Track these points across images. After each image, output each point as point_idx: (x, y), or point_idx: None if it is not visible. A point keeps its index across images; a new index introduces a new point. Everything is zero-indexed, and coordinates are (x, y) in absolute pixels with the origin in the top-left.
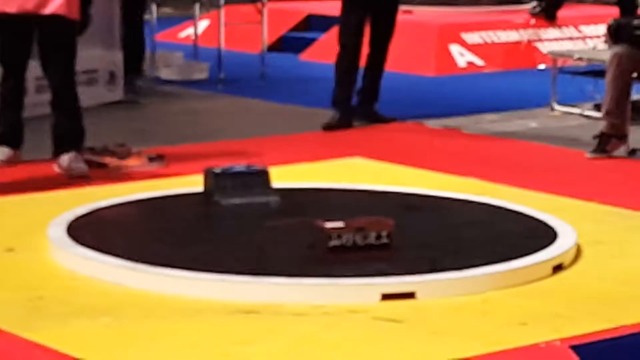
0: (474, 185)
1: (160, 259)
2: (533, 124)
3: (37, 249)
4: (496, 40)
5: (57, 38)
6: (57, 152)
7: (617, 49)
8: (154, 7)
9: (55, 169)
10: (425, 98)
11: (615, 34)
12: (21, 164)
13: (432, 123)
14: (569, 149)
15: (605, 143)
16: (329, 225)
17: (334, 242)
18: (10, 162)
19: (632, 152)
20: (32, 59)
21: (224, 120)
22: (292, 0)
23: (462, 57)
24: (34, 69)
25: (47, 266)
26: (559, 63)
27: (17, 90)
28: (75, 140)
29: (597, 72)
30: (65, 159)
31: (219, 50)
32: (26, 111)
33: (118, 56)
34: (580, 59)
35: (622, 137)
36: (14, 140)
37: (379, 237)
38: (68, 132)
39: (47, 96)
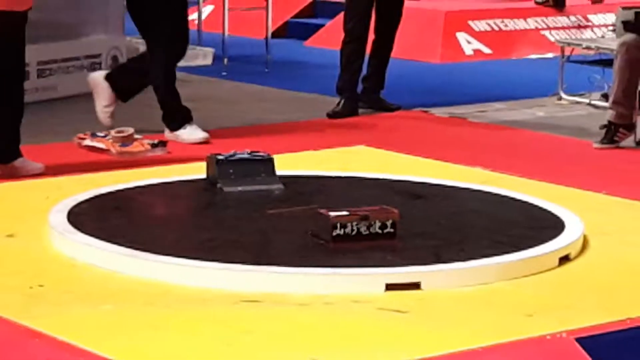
0: (480, 174)
1: (162, 247)
2: (540, 113)
3: (38, 235)
4: (503, 28)
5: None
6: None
7: (626, 37)
8: None
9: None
10: (431, 86)
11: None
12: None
13: (438, 111)
14: (576, 138)
15: (613, 133)
16: (333, 214)
17: (337, 231)
18: None
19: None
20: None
21: (228, 107)
22: None
23: (469, 44)
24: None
25: (47, 253)
26: (567, 52)
27: None
28: None
29: (605, 61)
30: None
31: (223, 35)
32: (27, 96)
33: (121, 41)
34: (588, 47)
35: (630, 127)
36: None
37: (383, 226)
38: None
39: (49, 81)
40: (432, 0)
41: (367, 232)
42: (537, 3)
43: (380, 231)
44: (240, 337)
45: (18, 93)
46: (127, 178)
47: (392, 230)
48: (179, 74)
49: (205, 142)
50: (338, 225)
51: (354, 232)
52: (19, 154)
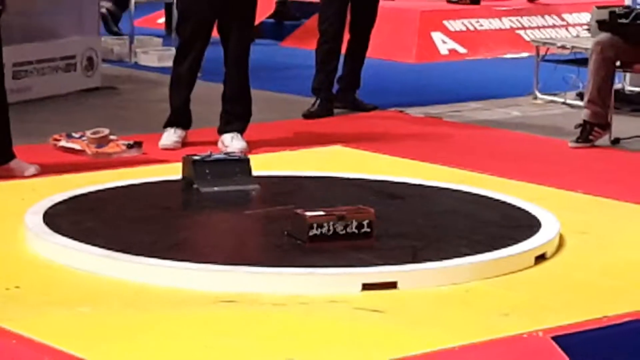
0: (456, 174)
1: (139, 248)
2: (515, 113)
3: (14, 237)
4: (479, 27)
5: None
6: None
7: (600, 37)
8: None
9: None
10: (406, 86)
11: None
12: None
13: (414, 111)
14: (551, 137)
15: (588, 132)
16: (309, 214)
17: (314, 231)
18: None
19: (615, 141)
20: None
21: (203, 108)
22: None
23: (444, 44)
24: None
25: (23, 254)
26: (542, 51)
27: None
28: None
29: (580, 61)
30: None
31: None
32: None
33: (96, 42)
34: (563, 47)
35: (605, 126)
36: None
37: (360, 226)
38: None
39: (24, 82)
40: (407, 0)
41: (344, 232)
42: (449, 2)
43: (356, 231)
44: (216, 337)
45: (2, 93)
46: (103, 179)
47: (368, 230)
48: (153, 75)
49: (172, 148)
50: (314, 225)
51: (330, 232)
52: (12, 155)
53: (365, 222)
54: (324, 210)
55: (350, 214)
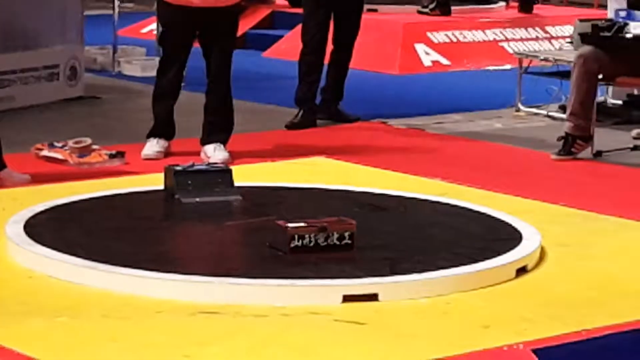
0: (438, 185)
1: (119, 258)
2: (498, 125)
3: None
4: (462, 39)
5: None
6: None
7: (583, 50)
8: (116, 3)
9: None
10: (389, 97)
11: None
12: None
13: (396, 122)
14: (534, 150)
15: (571, 144)
16: (291, 225)
17: (295, 243)
18: None
19: (597, 154)
20: None
21: (186, 118)
22: None
23: (427, 56)
24: None
25: (3, 264)
26: (525, 63)
27: None
28: None
29: (562, 73)
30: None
31: None
32: None
33: (79, 51)
34: (546, 59)
35: (587, 139)
36: None
37: (341, 237)
38: None
39: (7, 91)
40: (390, 12)
41: (325, 244)
42: (420, 12)
43: (338, 242)
44: (197, 348)
45: None
46: (85, 189)
47: (349, 241)
48: (136, 85)
49: (154, 159)
50: (296, 236)
51: (311, 244)
52: (3, 165)
53: (346, 234)
54: (305, 222)
55: (331, 225)
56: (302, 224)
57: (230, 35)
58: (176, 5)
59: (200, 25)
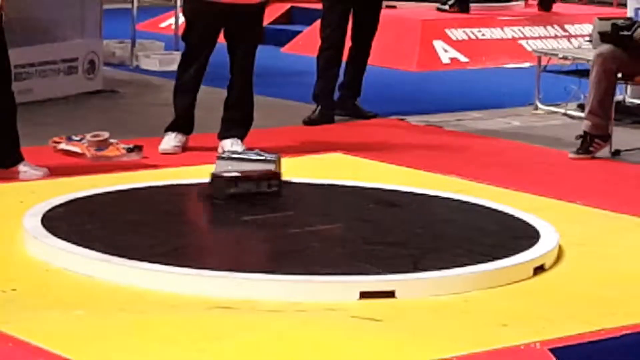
0: (456, 183)
1: (136, 252)
2: (516, 123)
3: (12, 240)
4: (480, 37)
5: None
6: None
7: (602, 48)
8: None
9: None
10: (407, 94)
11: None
12: None
13: (414, 119)
14: (551, 148)
15: (589, 143)
16: (227, 175)
17: (232, 190)
18: None
19: (615, 153)
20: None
21: (204, 112)
22: None
23: (445, 53)
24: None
25: (21, 257)
26: (544, 61)
27: None
28: None
29: (581, 72)
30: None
31: None
32: None
33: (98, 45)
34: (564, 57)
35: (606, 138)
36: None
37: (269, 185)
38: None
39: (25, 84)
40: (409, 9)
41: (256, 191)
42: (439, 10)
43: (267, 190)
44: (212, 343)
45: (9, 95)
46: (102, 183)
47: (276, 189)
48: (154, 79)
49: (171, 153)
50: (232, 184)
51: (244, 191)
52: (21, 158)
53: (273, 182)
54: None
55: (260, 176)
56: (236, 174)
57: (256, 32)
58: (205, 1)
59: (226, 21)
